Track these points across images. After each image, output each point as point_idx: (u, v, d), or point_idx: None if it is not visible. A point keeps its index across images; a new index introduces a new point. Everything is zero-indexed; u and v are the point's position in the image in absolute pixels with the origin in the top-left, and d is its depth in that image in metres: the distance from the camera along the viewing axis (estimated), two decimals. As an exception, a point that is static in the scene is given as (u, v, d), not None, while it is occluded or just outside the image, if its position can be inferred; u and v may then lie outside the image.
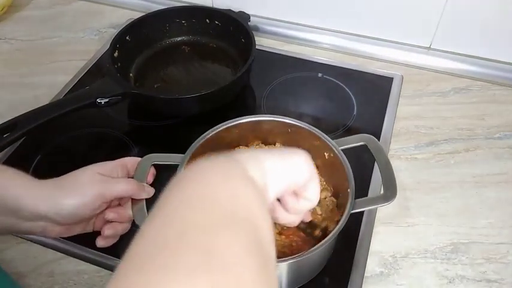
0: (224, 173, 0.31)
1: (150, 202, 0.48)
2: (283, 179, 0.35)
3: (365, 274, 0.53)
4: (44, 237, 0.53)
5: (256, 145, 0.59)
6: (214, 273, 0.22)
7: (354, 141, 0.54)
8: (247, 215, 0.28)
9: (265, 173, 0.33)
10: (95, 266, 0.54)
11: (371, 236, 0.57)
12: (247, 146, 0.59)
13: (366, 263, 0.54)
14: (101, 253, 0.54)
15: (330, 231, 0.46)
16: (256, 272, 0.25)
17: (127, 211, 0.49)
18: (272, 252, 0.28)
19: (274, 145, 0.59)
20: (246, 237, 0.26)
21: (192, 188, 0.29)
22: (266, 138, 0.59)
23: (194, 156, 0.52)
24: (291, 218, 0.42)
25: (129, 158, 0.51)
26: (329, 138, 0.53)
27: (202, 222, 0.26)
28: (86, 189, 0.45)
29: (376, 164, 0.52)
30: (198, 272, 0.22)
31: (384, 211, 0.59)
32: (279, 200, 0.40)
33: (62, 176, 0.46)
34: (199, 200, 0.28)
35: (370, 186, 0.62)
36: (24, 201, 0.43)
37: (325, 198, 0.54)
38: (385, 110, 0.72)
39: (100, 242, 0.49)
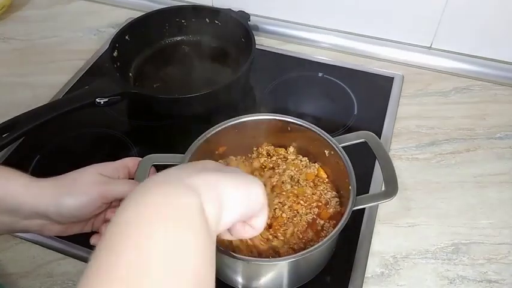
0: (175, 217, 0.29)
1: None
2: (238, 210, 0.34)
3: (365, 274, 0.53)
4: (42, 236, 0.53)
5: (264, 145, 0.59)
6: None
7: (354, 138, 0.54)
8: (190, 269, 0.28)
9: (221, 205, 0.32)
10: (94, 267, 0.54)
11: (371, 237, 0.57)
12: (247, 145, 0.59)
13: (366, 263, 0.54)
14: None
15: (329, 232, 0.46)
16: None
17: None
18: None
19: (286, 149, 0.59)
20: None
21: (132, 238, 0.28)
22: (266, 137, 0.58)
23: (194, 157, 0.52)
24: (232, 239, 0.42)
25: (130, 158, 0.51)
26: (329, 136, 0.53)
27: (139, 273, 0.26)
28: (86, 190, 0.45)
29: (376, 161, 0.51)
30: None
31: (384, 211, 0.59)
32: None
33: (62, 175, 0.46)
34: (137, 255, 0.27)
35: (371, 184, 0.62)
36: (24, 199, 0.43)
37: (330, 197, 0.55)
38: (386, 110, 0.72)
39: (95, 240, 0.48)
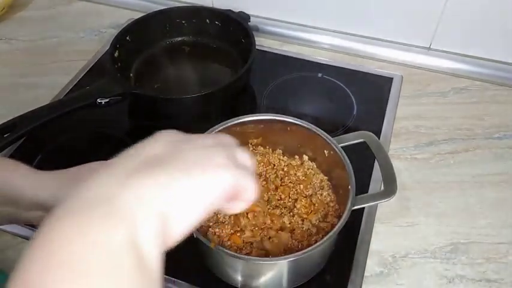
0: (101, 268, 0.23)
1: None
2: (197, 210, 0.28)
3: (365, 274, 0.53)
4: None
5: (256, 145, 0.59)
6: None
7: (353, 138, 0.54)
8: None
9: (165, 216, 0.26)
10: (95, 266, 0.54)
11: (371, 236, 0.57)
12: (247, 145, 0.59)
13: (365, 262, 0.54)
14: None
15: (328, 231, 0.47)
16: None
17: None
18: None
19: (301, 157, 0.59)
20: None
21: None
22: (266, 137, 0.59)
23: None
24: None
25: None
26: (328, 136, 0.53)
27: None
28: None
29: (376, 161, 0.52)
30: None
31: (383, 211, 0.59)
32: None
33: (66, 169, 0.47)
34: None
35: (370, 184, 0.62)
36: (24, 190, 0.43)
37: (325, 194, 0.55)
38: (385, 110, 0.72)
39: None
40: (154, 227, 0.26)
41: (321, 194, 0.54)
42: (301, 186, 0.54)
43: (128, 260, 0.24)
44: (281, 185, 0.55)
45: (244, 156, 0.32)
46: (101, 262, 0.23)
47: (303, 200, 0.53)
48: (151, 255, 0.25)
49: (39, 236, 0.25)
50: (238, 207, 0.32)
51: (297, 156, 0.58)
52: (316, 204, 0.52)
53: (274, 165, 0.58)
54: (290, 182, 0.55)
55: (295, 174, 0.56)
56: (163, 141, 0.31)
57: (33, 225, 0.55)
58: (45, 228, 0.25)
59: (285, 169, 0.57)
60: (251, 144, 0.59)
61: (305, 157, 0.58)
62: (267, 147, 0.60)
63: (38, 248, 0.24)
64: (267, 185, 0.55)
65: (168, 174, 0.27)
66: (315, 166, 0.57)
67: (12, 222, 0.47)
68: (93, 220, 0.25)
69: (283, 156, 0.59)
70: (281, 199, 0.54)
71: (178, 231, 0.27)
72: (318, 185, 0.55)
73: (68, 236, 0.24)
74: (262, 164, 0.57)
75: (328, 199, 0.54)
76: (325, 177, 0.56)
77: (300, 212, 0.52)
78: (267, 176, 0.56)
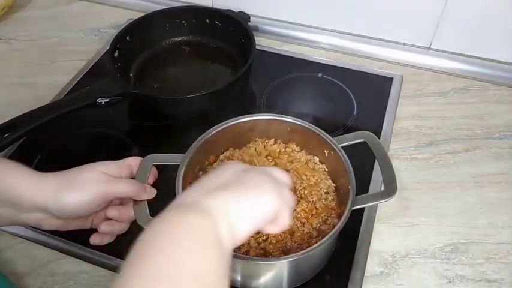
0: (190, 245, 0.32)
1: (152, 202, 0.49)
2: (253, 223, 0.37)
3: (365, 274, 0.53)
4: (41, 231, 0.54)
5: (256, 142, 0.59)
6: None
7: (353, 138, 0.54)
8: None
9: (233, 224, 0.35)
10: (95, 266, 0.54)
11: (371, 236, 0.57)
12: (247, 144, 0.59)
13: (365, 262, 0.54)
14: (101, 253, 0.54)
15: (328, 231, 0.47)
16: None
17: (129, 211, 0.49)
18: None
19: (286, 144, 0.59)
20: None
21: (156, 266, 0.30)
22: (266, 137, 0.59)
23: (195, 157, 0.52)
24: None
25: (133, 157, 0.51)
26: (328, 136, 0.53)
27: None
28: (88, 187, 0.45)
29: (376, 161, 0.52)
30: None
31: (383, 211, 0.59)
32: None
33: (65, 171, 0.46)
34: (163, 282, 0.29)
35: (371, 184, 0.62)
36: (24, 192, 0.43)
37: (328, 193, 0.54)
38: (385, 110, 0.72)
39: (94, 239, 0.49)
40: (226, 227, 0.34)
41: (326, 199, 0.53)
42: (306, 191, 0.53)
43: (212, 238, 0.33)
44: None
45: (289, 193, 0.41)
46: (194, 236, 0.33)
47: (304, 204, 0.52)
48: (226, 243, 0.34)
49: (152, 224, 0.34)
50: (273, 229, 0.40)
51: (314, 157, 0.57)
52: (319, 209, 0.52)
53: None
54: (299, 186, 0.54)
55: (306, 177, 0.55)
56: (230, 170, 0.40)
57: (33, 227, 0.55)
58: (155, 220, 0.34)
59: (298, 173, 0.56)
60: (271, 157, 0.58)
61: (316, 159, 0.57)
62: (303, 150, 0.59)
63: (151, 226, 0.34)
64: None
65: (235, 194, 0.37)
66: (326, 170, 0.56)
67: (12, 224, 0.47)
68: (189, 212, 0.34)
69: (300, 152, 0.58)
70: None
71: (241, 236, 0.36)
72: (324, 191, 0.54)
73: (173, 221, 0.34)
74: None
75: (333, 204, 0.53)
76: (333, 184, 0.55)
77: (299, 215, 0.51)
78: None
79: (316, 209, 0.52)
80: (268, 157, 0.57)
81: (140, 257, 0.31)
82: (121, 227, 0.49)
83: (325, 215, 0.52)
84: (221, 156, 0.58)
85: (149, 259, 0.31)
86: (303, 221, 0.51)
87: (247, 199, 0.37)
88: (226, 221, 0.35)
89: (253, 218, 0.37)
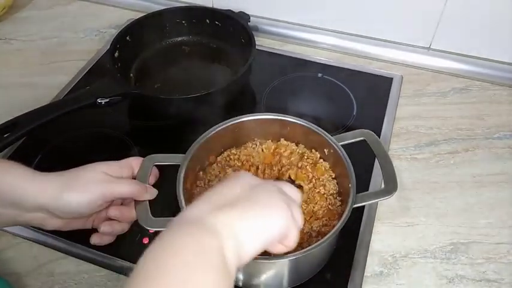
0: (201, 261, 0.32)
1: (153, 202, 0.49)
2: (258, 244, 0.36)
3: (365, 274, 0.53)
4: (43, 231, 0.54)
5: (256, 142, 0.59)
6: None
7: (353, 136, 0.54)
8: None
9: (240, 243, 0.34)
10: (95, 266, 0.54)
11: (371, 236, 0.57)
12: (247, 144, 0.59)
13: (365, 262, 0.54)
14: (101, 253, 0.54)
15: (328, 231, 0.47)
16: None
17: (130, 211, 0.49)
18: None
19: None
20: None
21: (169, 278, 0.30)
22: (266, 136, 0.59)
23: (195, 156, 0.52)
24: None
25: (134, 158, 0.51)
26: (328, 135, 0.54)
27: None
28: (88, 187, 0.45)
29: (376, 160, 0.52)
30: None
31: (383, 211, 0.59)
32: None
33: (66, 171, 0.47)
34: None
35: (371, 182, 0.62)
36: (26, 193, 0.43)
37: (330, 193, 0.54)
38: (385, 110, 0.72)
39: (95, 239, 0.49)
40: (232, 246, 0.34)
41: (330, 204, 0.53)
42: (311, 205, 0.53)
43: (217, 259, 0.32)
44: None
45: (299, 212, 0.39)
46: (203, 258, 0.32)
47: (303, 205, 0.52)
48: (231, 264, 0.33)
49: (159, 238, 0.33)
50: (279, 248, 0.39)
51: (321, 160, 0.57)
52: (321, 214, 0.52)
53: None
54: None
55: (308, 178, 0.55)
56: (240, 183, 0.39)
57: (34, 227, 0.55)
58: (163, 234, 0.34)
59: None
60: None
61: (320, 160, 0.56)
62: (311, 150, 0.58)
63: (158, 241, 0.33)
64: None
65: (243, 212, 0.36)
66: (334, 183, 0.55)
67: (14, 224, 0.47)
68: (197, 230, 0.34)
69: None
70: None
71: (247, 255, 0.35)
72: (328, 197, 0.54)
73: (182, 239, 0.33)
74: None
75: (339, 210, 0.52)
76: (336, 189, 0.55)
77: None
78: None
79: (315, 212, 0.52)
80: (268, 158, 0.57)
81: (147, 277, 0.31)
82: (122, 227, 0.49)
83: (327, 220, 0.52)
84: (219, 158, 0.58)
85: (157, 280, 0.30)
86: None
87: (255, 218, 0.36)
88: (234, 241, 0.34)
89: (261, 238, 0.36)
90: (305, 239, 0.50)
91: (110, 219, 0.49)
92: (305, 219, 0.51)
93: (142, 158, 0.51)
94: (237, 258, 0.34)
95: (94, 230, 0.49)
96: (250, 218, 0.36)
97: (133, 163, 0.51)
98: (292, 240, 0.39)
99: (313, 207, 0.52)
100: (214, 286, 0.32)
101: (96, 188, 0.45)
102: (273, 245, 0.39)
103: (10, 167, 0.45)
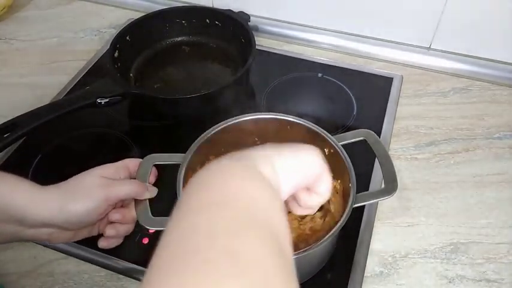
0: (242, 176, 0.32)
1: (153, 202, 0.49)
2: (295, 177, 0.36)
3: (365, 274, 0.53)
4: (51, 244, 0.53)
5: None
6: (242, 277, 0.23)
7: (353, 136, 0.54)
8: (267, 219, 0.29)
9: (276, 173, 0.34)
10: (95, 266, 0.54)
11: (371, 236, 0.57)
12: (247, 144, 0.59)
13: (365, 262, 0.54)
14: (101, 253, 0.54)
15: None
16: (280, 273, 0.26)
17: (131, 212, 0.49)
18: (290, 254, 0.29)
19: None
20: (268, 241, 0.27)
21: (213, 192, 0.30)
22: (266, 136, 0.59)
23: (195, 156, 0.52)
24: (305, 211, 0.43)
25: (130, 159, 0.51)
26: (328, 134, 0.53)
27: (227, 227, 0.27)
28: (91, 194, 0.45)
29: (376, 160, 0.52)
30: (229, 276, 0.23)
31: (383, 211, 0.59)
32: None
33: (64, 182, 0.46)
34: (221, 205, 0.28)
35: (371, 182, 0.62)
36: (28, 209, 0.43)
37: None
38: (385, 110, 0.72)
39: (102, 243, 0.49)
40: (269, 173, 0.33)
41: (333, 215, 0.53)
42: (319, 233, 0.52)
43: (261, 177, 0.32)
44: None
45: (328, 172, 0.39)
46: (246, 172, 0.32)
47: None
48: (277, 188, 0.33)
49: (202, 180, 0.32)
50: (314, 200, 0.39)
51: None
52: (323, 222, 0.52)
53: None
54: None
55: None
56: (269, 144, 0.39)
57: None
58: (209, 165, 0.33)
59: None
60: None
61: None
62: None
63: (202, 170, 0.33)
64: None
65: (277, 150, 0.36)
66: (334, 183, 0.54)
67: (14, 241, 0.47)
68: (235, 160, 0.33)
69: None
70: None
71: (283, 190, 0.34)
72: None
73: (223, 164, 0.33)
74: None
75: (339, 210, 0.52)
76: (336, 188, 0.54)
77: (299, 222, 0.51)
78: None
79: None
80: None
81: (195, 191, 0.30)
82: (126, 229, 0.49)
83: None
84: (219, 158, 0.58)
85: (202, 192, 0.30)
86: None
87: (290, 151, 0.36)
88: (271, 169, 0.33)
89: (298, 171, 0.36)
90: (305, 239, 0.50)
91: (113, 222, 0.49)
92: (305, 219, 0.51)
93: (138, 160, 0.51)
94: (277, 186, 0.34)
95: (100, 235, 0.50)
96: (284, 153, 0.36)
97: (130, 164, 0.51)
98: (327, 186, 0.38)
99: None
100: (274, 203, 0.31)
101: (99, 192, 0.45)
102: (308, 196, 0.38)
103: (10, 181, 0.44)
